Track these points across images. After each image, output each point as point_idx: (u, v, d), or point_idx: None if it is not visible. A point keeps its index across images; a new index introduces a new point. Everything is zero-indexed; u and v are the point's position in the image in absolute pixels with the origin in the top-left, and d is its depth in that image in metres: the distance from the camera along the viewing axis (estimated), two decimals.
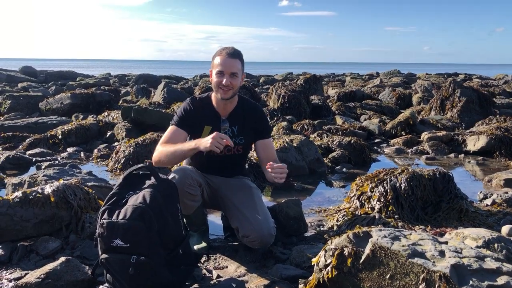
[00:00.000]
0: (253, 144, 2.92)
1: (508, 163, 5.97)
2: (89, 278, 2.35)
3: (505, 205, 3.84)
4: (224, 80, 2.63)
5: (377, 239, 1.84)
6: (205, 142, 2.40)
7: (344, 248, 1.89)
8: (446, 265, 1.66)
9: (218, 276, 2.50)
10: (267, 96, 10.46)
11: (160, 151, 2.64)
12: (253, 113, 2.86)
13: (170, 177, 2.48)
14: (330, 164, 5.56)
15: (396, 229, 1.96)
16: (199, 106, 2.79)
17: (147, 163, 2.39)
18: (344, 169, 5.41)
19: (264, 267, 2.68)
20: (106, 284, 2.23)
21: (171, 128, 2.77)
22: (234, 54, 2.66)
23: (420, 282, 1.67)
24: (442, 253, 1.75)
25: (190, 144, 2.53)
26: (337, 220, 3.28)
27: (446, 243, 1.86)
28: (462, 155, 6.43)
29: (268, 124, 2.97)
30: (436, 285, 1.63)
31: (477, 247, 2.03)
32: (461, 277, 1.63)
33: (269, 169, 2.43)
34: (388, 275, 1.76)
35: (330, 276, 1.90)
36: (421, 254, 1.74)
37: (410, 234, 1.92)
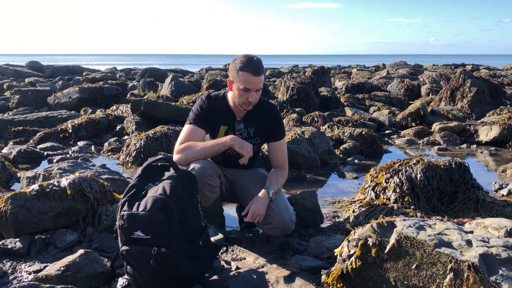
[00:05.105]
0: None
1: None
2: (108, 270, 2.35)
3: None
4: (251, 98, 2.60)
5: (402, 228, 1.81)
6: (241, 145, 2.57)
7: (368, 238, 1.87)
8: (474, 254, 1.63)
9: (237, 268, 2.48)
10: (275, 89, 10.40)
11: (186, 150, 2.58)
12: (269, 114, 2.83)
13: (189, 168, 2.46)
14: (341, 155, 5.54)
15: (421, 219, 1.93)
16: (214, 105, 2.74)
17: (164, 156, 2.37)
18: (356, 161, 5.38)
19: (282, 258, 2.66)
20: (126, 276, 2.22)
21: (188, 127, 2.69)
22: (260, 71, 2.56)
23: (448, 272, 1.64)
24: (469, 243, 1.72)
25: (226, 141, 2.58)
26: (353, 211, 3.26)
27: (471, 232, 1.83)
28: (474, 145, 6.38)
29: (283, 126, 2.94)
30: (465, 275, 1.60)
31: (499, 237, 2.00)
32: (490, 267, 1.61)
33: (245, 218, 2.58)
34: (414, 265, 1.74)
35: (354, 267, 1.88)
36: (448, 244, 1.71)
37: (435, 223, 1.89)
